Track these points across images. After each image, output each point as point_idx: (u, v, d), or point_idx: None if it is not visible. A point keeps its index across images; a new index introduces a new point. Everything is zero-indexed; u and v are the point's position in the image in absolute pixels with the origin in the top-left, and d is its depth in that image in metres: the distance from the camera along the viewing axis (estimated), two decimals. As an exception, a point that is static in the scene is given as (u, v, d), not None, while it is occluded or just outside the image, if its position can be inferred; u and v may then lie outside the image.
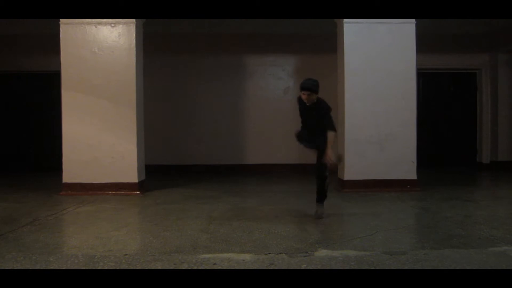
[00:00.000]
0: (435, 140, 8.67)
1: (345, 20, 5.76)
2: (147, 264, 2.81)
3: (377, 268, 2.72)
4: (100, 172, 5.70)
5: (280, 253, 3.03)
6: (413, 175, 5.84)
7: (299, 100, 4.24)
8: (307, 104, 4.12)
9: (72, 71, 5.71)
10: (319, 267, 2.75)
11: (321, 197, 4.23)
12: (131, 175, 5.74)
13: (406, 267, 2.73)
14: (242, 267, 2.76)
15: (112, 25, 5.73)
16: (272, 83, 8.44)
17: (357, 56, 5.80)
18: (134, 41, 5.72)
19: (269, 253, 3.03)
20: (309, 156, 8.37)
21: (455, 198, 5.24)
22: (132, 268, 2.75)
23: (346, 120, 5.82)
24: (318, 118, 4.11)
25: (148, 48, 6.47)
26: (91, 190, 5.66)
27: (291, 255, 2.98)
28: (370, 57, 5.80)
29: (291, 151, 8.30)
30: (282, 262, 2.86)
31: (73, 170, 5.70)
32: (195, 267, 2.76)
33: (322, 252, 3.06)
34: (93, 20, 5.69)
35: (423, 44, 6.25)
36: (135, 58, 5.74)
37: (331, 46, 6.39)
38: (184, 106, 8.42)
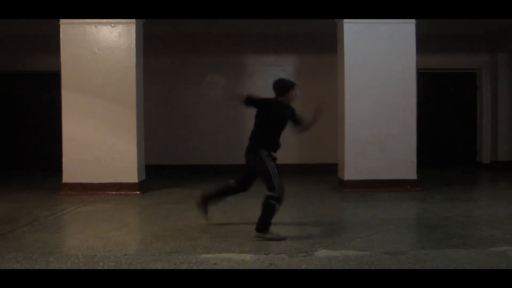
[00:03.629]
0: (435, 140, 8.67)
1: (345, 20, 5.76)
2: (147, 264, 2.81)
3: (377, 268, 2.72)
4: (100, 172, 5.70)
5: (280, 253, 3.03)
6: (413, 175, 5.84)
7: (276, 103, 3.64)
8: (291, 103, 3.73)
9: (72, 71, 5.70)
10: (319, 267, 2.75)
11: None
12: (131, 175, 5.74)
13: (406, 267, 2.73)
14: (242, 267, 2.76)
15: (112, 25, 5.73)
16: (272, 83, 8.44)
17: (357, 56, 5.79)
18: (134, 41, 5.72)
19: (269, 253, 3.03)
20: (308, 156, 8.43)
21: (455, 198, 5.24)
22: (132, 268, 2.75)
23: (346, 120, 5.82)
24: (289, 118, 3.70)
25: (149, 48, 6.47)
26: (91, 190, 5.65)
27: (291, 255, 2.98)
28: (370, 57, 5.80)
29: (291, 151, 8.30)
30: (282, 262, 2.86)
31: (73, 170, 5.70)
32: (195, 267, 2.76)
33: (322, 252, 3.06)
34: (93, 20, 5.68)
35: (423, 44, 6.25)
36: (135, 58, 5.74)
37: (331, 46, 6.38)
38: (184, 106, 8.41)
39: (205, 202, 3.91)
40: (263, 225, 3.44)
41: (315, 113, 3.71)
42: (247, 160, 3.71)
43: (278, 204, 3.41)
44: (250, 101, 3.54)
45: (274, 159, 3.59)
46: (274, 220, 3.65)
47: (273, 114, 3.61)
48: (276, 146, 3.66)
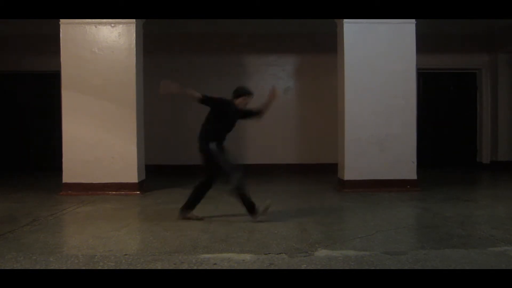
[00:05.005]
0: (435, 140, 8.67)
1: (345, 20, 5.76)
2: (147, 264, 2.81)
3: (377, 268, 2.72)
4: (100, 172, 5.70)
5: (280, 253, 3.03)
6: (413, 175, 5.84)
7: (230, 104, 4.12)
8: (242, 108, 4.20)
9: (72, 71, 5.70)
10: (319, 267, 2.75)
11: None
12: (131, 175, 5.74)
13: (406, 267, 2.73)
14: (242, 267, 2.76)
15: (112, 25, 5.73)
16: (272, 83, 8.43)
17: (357, 56, 5.79)
18: (134, 41, 5.72)
19: (269, 253, 3.03)
20: (308, 156, 8.42)
21: (455, 198, 5.24)
22: (132, 268, 2.75)
23: (346, 120, 5.82)
24: (238, 119, 4.24)
25: (148, 48, 6.47)
26: (91, 190, 5.65)
27: (291, 255, 2.98)
28: (370, 57, 5.80)
29: (290, 151, 8.32)
30: (282, 262, 2.86)
31: (73, 170, 5.70)
32: (195, 267, 2.76)
33: (322, 252, 3.06)
34: (93, 20, 5.68)
35: (423, 44, 6.24)
36: (135, 58, 5.74)
37: (332, 46, 6.38)
38: (184, 106, 8.40)
39: (187, 210, 4.16)
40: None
41: (270, 96, 4.23)
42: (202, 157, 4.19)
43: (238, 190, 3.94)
44: (206, 98, 3.99)
45: (224, 149, 4.11)
46: (273, 219, 3.66)
47: (226, 112, 4.09)
48: (223, 140, 4.19)
